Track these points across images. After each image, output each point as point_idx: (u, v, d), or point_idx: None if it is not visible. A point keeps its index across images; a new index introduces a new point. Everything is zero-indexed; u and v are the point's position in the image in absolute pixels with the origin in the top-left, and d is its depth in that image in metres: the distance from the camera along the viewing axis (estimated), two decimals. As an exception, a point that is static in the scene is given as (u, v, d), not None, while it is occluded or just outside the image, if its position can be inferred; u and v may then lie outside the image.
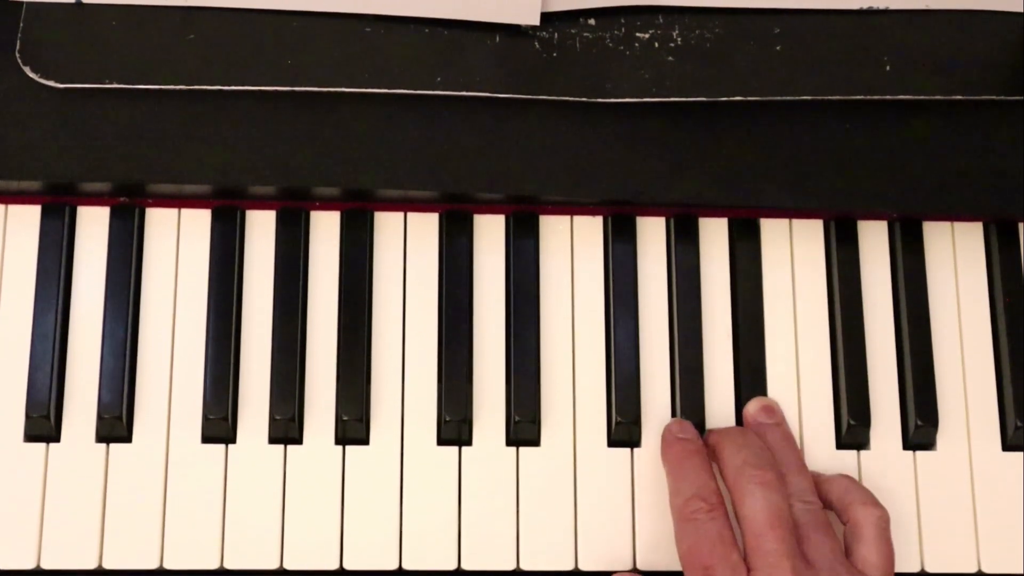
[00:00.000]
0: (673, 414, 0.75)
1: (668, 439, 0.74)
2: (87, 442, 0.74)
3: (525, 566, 0.73)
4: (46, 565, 0.72)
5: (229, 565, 0.72)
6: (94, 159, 0.74)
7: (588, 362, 0.76)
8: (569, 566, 0.73)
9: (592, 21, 0.78)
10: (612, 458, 0.75)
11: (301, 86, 0.75)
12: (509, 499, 0.74)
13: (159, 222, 0.77)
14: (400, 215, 0.78)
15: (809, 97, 0.77)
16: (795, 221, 0.79)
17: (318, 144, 0.75)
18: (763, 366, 0.76)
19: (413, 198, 0.77)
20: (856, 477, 0.75)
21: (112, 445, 0.74)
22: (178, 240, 0.77)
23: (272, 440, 0.74)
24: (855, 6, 0.79)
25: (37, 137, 0.74)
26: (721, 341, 0.77)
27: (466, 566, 0.73)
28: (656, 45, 0.77)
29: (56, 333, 0.74)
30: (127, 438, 0.74)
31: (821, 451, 0.76)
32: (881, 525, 0.71)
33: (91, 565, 0.72)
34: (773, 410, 0.75)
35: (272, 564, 0.73)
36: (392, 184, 0.75)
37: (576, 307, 0.77)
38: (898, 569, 0.73)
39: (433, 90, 0.76)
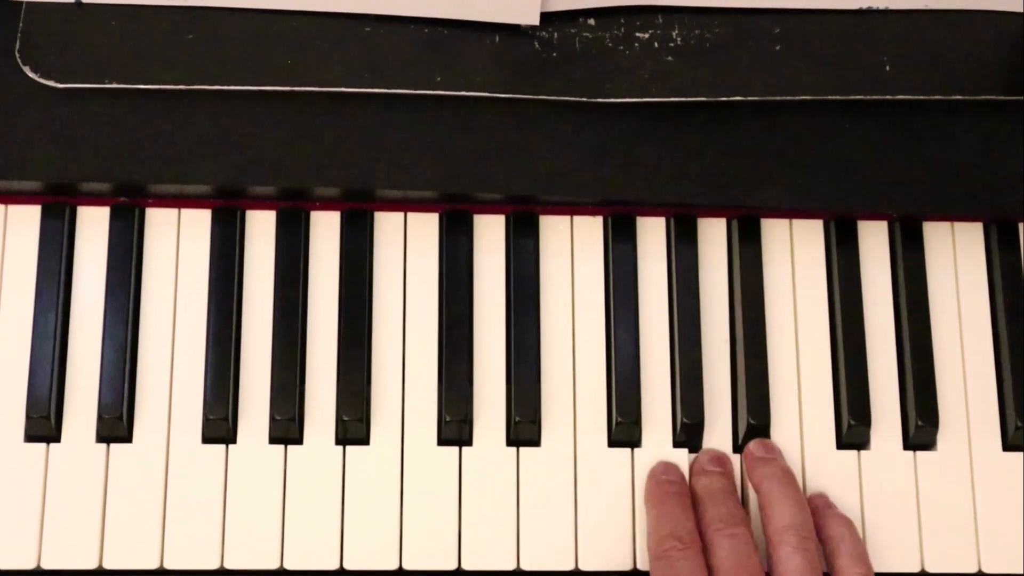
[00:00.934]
0: (673, 414, 0.75)
1: (652, 480, 0.74)
2: (87, 442, 0.73)
3: (525, 566, 0.73)
4: (46, 565, 0.72)
5: (229, 565, 0.72)
6: (94, 159, 0.74)
7: (588, 362, 0.76)
8: (569, 566, 0.73)
9: (592, 21, 0.78)
10: (612, 458, 0.75)
11: (301, 86, 0.75)
12: (509, 499, 0.74)
13: (159, 222, 0.77)
14: (400, 215, 0.78)
15: (809, 97, 0.77)
16: (795, 221, 0.79)
17: (318, 144, 0.75)
18: (763, 366, 0.76)
19: (413, 198, 0.77)
20: (856, 477, 0.75)
21: (112, 445, 0.74)
22: (178, 240, 0.77)
23: (272, 440, 0.74)
24: (855, 6, 0.79)
25: (37, 137, 0.74)
26: (721, 341, 0.77)
27: (466, 566, 0.73)
28: (656, 45, 0.77)
29: (56, 333, 0.74)
30: (127, 438, 0.74)
31: (821, 451, 0.76)
32: None
33: (91, 565, 0.72)
34: (771, 448, 0.75)
35: (272, 564, 0.73)
36: (392, 184, 0.75)
37: (576, 307, 0.77)
38: (898, 569, 0.73)
39: (433, 90, 0.76)
